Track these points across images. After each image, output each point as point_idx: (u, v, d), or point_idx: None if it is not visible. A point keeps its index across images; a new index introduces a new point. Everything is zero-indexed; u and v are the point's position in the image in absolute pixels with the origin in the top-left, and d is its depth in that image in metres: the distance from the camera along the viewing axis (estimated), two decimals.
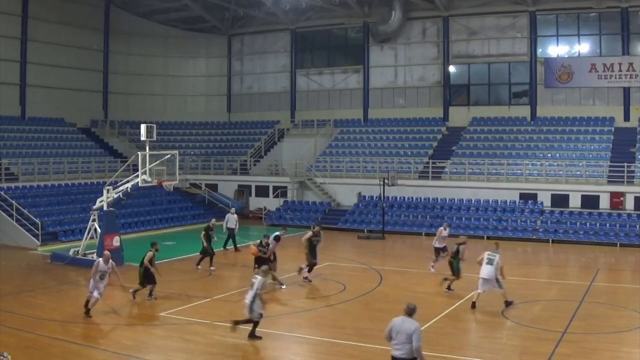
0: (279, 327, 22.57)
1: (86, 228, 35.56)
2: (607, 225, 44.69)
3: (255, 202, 57.25)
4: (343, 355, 19.57)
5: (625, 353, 19.89)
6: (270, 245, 29.95)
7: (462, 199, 50.11)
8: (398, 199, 51.39)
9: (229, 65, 68.97)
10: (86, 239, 35.15)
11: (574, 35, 56.87)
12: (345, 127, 62.02)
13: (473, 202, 49.73)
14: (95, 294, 23.02)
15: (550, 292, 27.71)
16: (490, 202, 49.18)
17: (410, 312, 15.02)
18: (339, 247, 39.37)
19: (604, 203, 46.85)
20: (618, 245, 42.43)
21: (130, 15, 64.10)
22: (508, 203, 48.85)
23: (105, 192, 34.57)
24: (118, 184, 35.16)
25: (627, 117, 53.82)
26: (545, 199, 48.24)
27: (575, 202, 47.52)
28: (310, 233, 30.03)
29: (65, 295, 27.67)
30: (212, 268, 33.22)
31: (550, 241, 44.05)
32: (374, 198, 51.34)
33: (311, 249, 29.65)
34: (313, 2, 58.70)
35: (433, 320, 22.91)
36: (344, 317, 24.28)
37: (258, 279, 20.75)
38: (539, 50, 56.97)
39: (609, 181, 47.60)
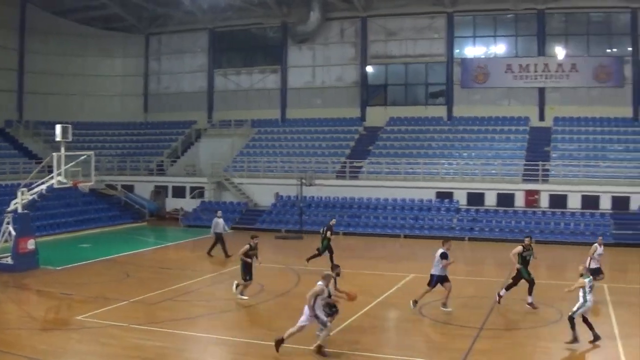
0: (197, 328, 22.19)
1: (0, 231, 34.47)
2: (523, 222, 45.62)
3: (172, 203, 56.47)
4: (261, 356, 19.31)
5: (542, 348, 20.05)
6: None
7: (379, 198, 50.25)
8: (316, 198, 51.25)
9: (146, 64, 68.03)
10: (0, 242, 34.06)
11: (490, 36, 57.98)
12: (262, 127, 61.70)
13: (390, 201, 49.94)
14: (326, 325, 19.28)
15: (467, 289, 27.78)
16: (407, 201, 49.51)
17: None
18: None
19: (519, 201, 47.75)
20: (533, 242, 42.82)
21: (47, 14, 62.53)
22: (424, 202, 49.28)
23: (19, 194, 33.58)
24: (33, 186, 34.23)
25: (542, 117, 54.92)
26: (461, 198, 48.89)
27: (490, 200, 48.25)
28: (520, 247, 25.59)
29: None
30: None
31: (467, 239, 44.51)
32: (292, 198, 51.07)
33: (524, 264, 25.46)
34: (231, 2, 58.27)
35: (352, 319, 22.74)
36: (262, 317, 24.17)
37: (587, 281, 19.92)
38: (456, 51, 57.81)
39: (524, 180, 48.47)
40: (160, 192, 57.57)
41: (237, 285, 26.05)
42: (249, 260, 25.82)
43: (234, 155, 58.23)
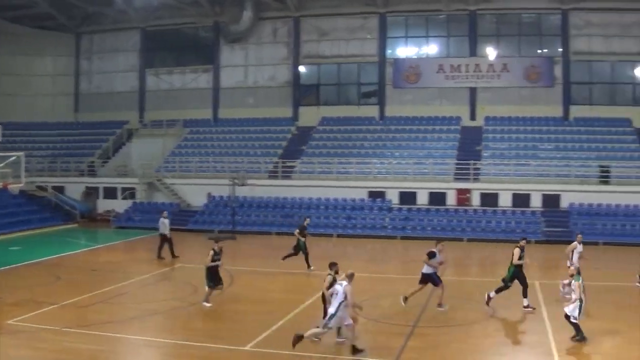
0: (129, 331, 21.88)
1: None
2: (454, 221, 46.17)
3: (103, 204, 55.59)
4: (194, 357, 19.19)
5: (473, 345, 20.26)
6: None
7: (312, 198, 50.28)
8: (248, 198, 50.93)
9: (77, 64, 66.82)
10: None
11: (422, 36, 58.54)
12: (195, 127, 61.21)
13: (323, 200, 49.98)
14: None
15: (400, 287, 27.72)
16: (340, 201, 49.60)
17: None
18: (189, 249, 38.67)
19: (451, 200, 48.23)
20: (465, 240, 43.37)
21: None
22: (357, 201, 49.40)
23: None
24: None
25: (473, 117, 55.68)
26: (393, 197, 49.10)
27: (422, 199, 48.63)
28: (517, 250, 24.32)
29: None
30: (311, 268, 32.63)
31: (399, 237, 44.72)
32: (224, 198, 50.72)
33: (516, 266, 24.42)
34: (164, 1, 57.57)
35: (285, 319, 22.67)
36: (195, 318, 23.91)
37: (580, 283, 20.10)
38: (388, 51, 58.24)
39: (455, 178, 49.07)
40: (91, 193, 56.59)
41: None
42: (214, 264, 24.96)
43: (166, 156, 57.63)
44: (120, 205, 54.03)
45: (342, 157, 52.58)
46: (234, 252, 39.63)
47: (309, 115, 59.12)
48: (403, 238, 44.69)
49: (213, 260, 25.04)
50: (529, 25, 56.95)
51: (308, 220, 35.79)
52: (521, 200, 47.42)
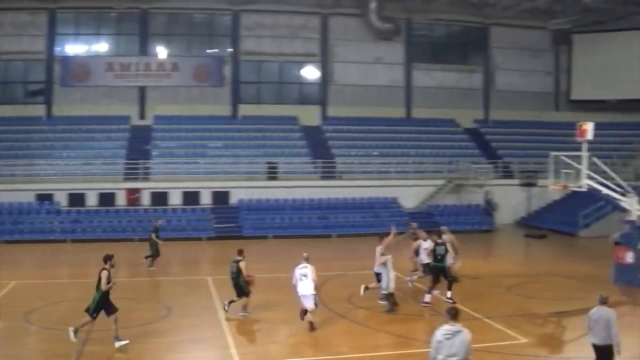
0: None
1: None
2: (124, 221, 46.36)
3: None
4: None
5: (153, 344, 20.62)
6: None
7: None
8: None
9: None
10: None
11: (93, 34, 58.05)
12: None
13: None
14: None
15: (73, 292, 27.38)
16: (5, 205, 47.06)
17: (603, 301, 15.61)
18: None
19: (121, 200, 48.38)
20: (136, 240, 43.32)
21: None
22: (24, 205, 47.49)
23: None
24: None
25: (142, 116, 56.20)
26: (62, 199, 48.02)
27: (92, 200, 48.24)
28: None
29: None
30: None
31: (69, 240, 43.93)
32: None
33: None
34: None
35: None
36: None
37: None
38: (57, 49, 56.73)
39: (125, 178, 49.16)
40: None
41: (245, 307, 23.62)
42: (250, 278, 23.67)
43: None
44: None
45: (8, 159, 49.94)
46: None
47: None
48: (73, 241, 43.97)
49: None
50: (201, 25, 58.64)
51: (160, 221, 36.99)
52: (191, 198, 48.74)
